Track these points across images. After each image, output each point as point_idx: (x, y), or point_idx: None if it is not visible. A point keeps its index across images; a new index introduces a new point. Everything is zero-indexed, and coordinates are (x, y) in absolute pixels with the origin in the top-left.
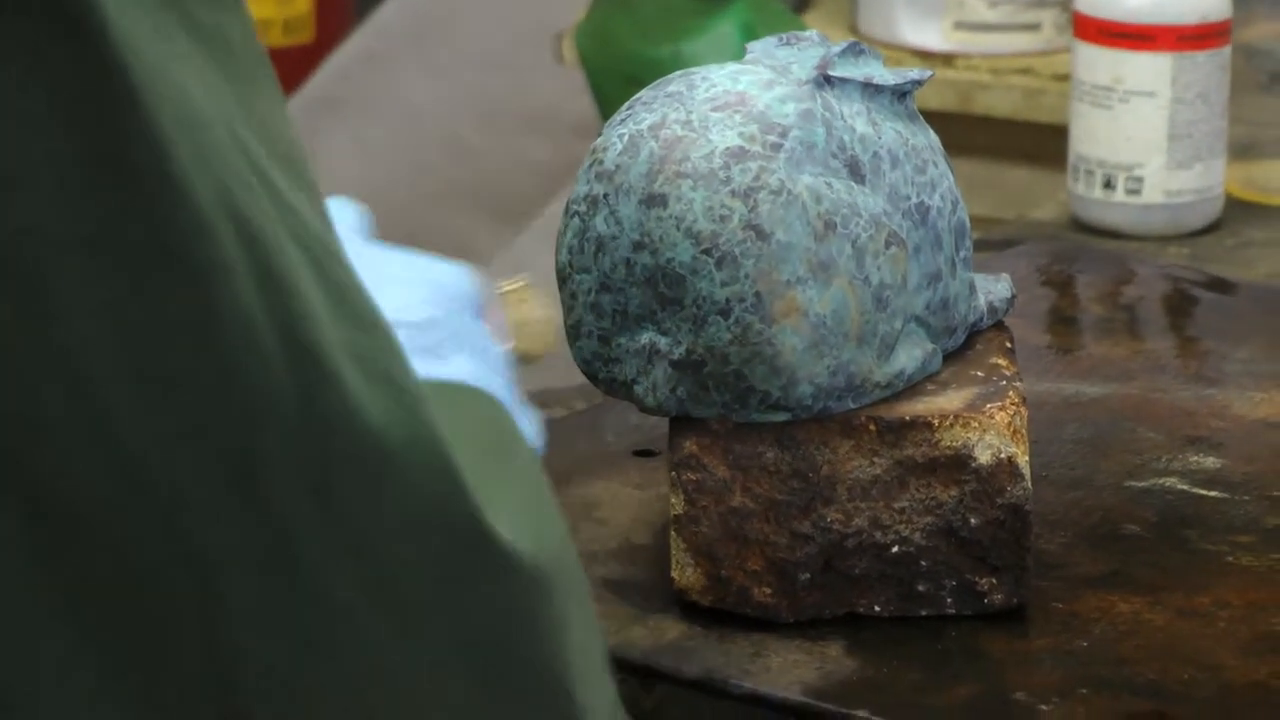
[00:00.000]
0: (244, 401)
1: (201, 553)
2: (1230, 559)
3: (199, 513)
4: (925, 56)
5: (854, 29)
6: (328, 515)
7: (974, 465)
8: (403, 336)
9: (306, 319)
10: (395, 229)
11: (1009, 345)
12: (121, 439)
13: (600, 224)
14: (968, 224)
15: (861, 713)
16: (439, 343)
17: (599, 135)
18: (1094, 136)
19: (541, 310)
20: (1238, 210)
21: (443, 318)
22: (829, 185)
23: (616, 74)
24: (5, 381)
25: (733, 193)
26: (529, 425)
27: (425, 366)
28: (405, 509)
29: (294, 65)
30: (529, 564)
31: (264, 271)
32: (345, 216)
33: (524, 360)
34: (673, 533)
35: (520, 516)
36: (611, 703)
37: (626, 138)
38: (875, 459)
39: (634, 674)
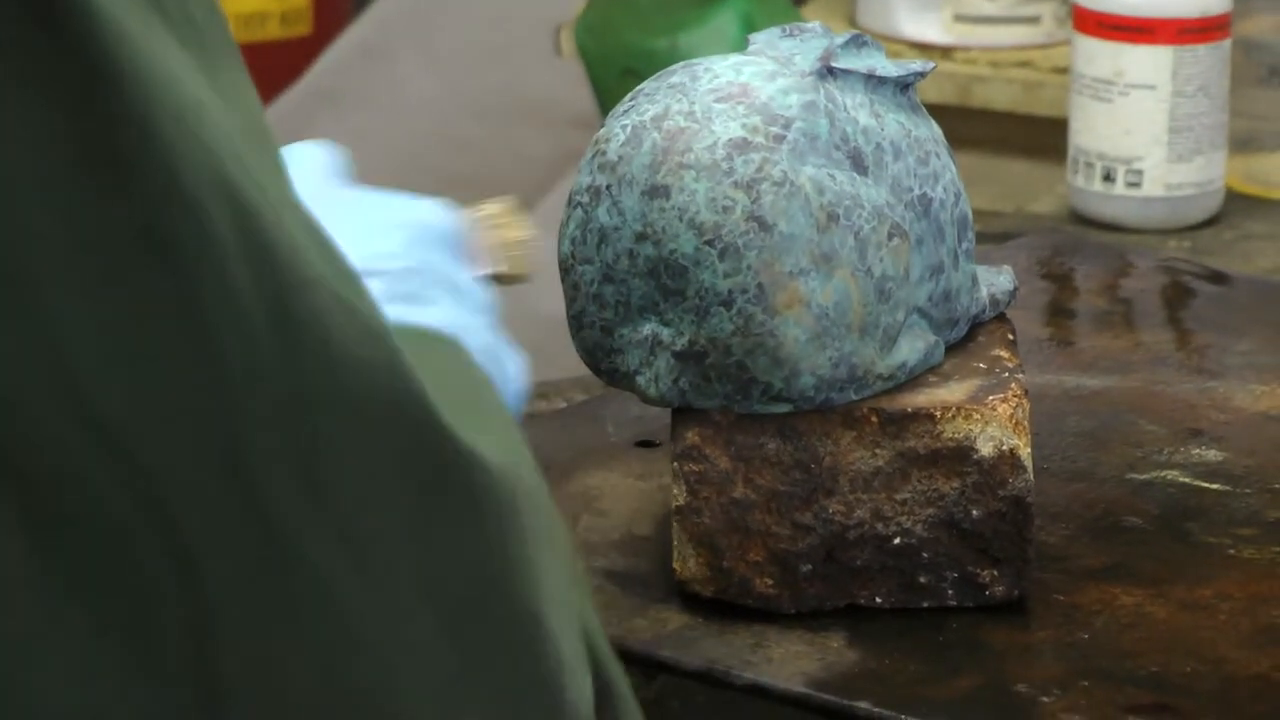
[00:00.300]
0: (230, 384)
1: (187, 535)
2: (1232, 552)
3: (184, 496)
4: (924, 49)
5: (852, 22)
6: (313, 491)
7: (976, 457)
8: (382, 284)
9: (303, 287)
10: None
11: (1011, 337)
12: (105, 423)
13: (603, 215)
14: (970, 216)
15: (863, 704)
16: (419, 289)
17: (599, 127)
18: (1094, 129)
19: (523, 231)
20: (1238, 203)
21: (421, 263)
22: (832, 177)
23: (615, 66)
24: None
25: (735, 184)
26: (513, 364)
27: (404, 313)
28: (381, 450)
29: (291, 57)
30: (500, 473)
31: (257, 246)
32: (320, 159)
33: (507, 283)
34: (674, 523)
35: (491, 438)
36: (579, 621)
37: (629, 129)
38: (877, 450)
39: (635, 665)
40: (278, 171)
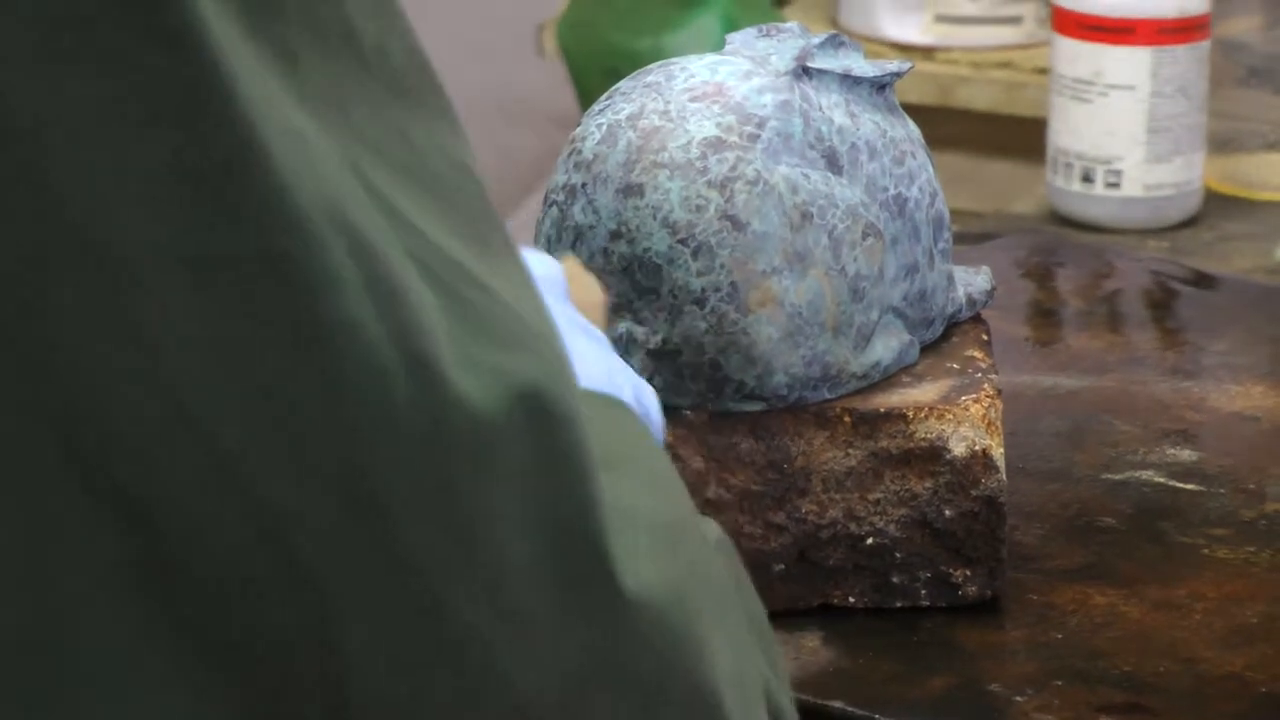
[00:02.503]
0: (356, 415)
1: (316, 573)
2: (1206, 551)
3: (312, 532)
4: (906, 50)
5: (834, 22)
6: (451, 531)
7: (948, 457)
8: None
9: (422, 332)
10: None
11: (985, 338)
12: (227, 459)
13: (578, 213)
14: (946, 216)
15: (837, 704)
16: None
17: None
18: (1073, 130)
19: (597, 294)
20: (1216, 204)
21: (554, 306)
22: (806, 176)
23: (597, 66)
24: (106, 401)
25: (709, 183)
26: (651, 398)
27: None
28: (527, 526)
29: None
30: (647, 599)
31: (377, 283)
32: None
33: None
34: None
35: (648, 540)
36: (765, 697)
37: (605, 127)
38: (850, 450)
39: None
40: (428, 224)
